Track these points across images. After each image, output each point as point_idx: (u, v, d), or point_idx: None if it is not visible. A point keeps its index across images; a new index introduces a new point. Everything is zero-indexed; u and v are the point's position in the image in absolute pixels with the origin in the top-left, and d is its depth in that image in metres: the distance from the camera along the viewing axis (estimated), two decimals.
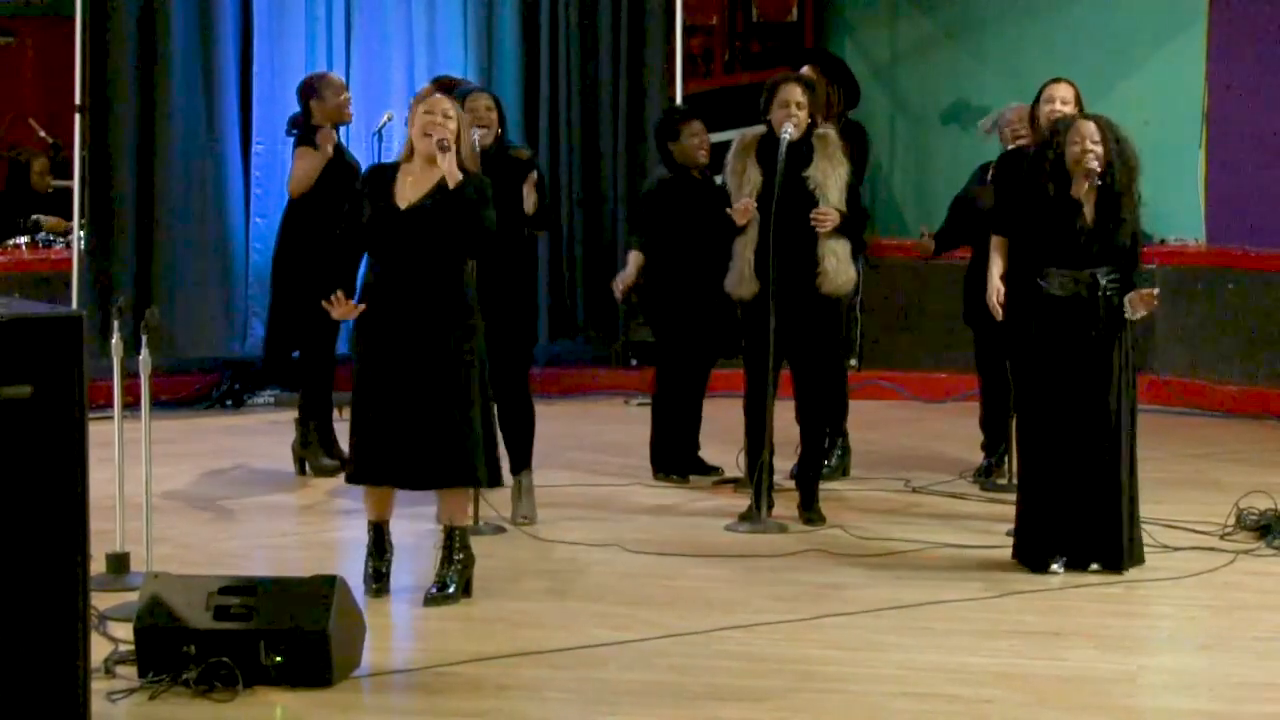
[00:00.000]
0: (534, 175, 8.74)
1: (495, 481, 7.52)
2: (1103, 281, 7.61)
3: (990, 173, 9.55)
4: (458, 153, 7.16)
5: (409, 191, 7.17)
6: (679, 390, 9.71)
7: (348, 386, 10.82)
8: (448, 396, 7.11)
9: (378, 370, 7.17)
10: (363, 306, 7.14)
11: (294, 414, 9.91)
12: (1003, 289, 8.41)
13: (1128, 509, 7.66)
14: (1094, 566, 7.62)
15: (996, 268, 8.56)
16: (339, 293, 7.14)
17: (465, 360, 7.15)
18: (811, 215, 8.50)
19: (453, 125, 7.17)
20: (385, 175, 7.28)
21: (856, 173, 8.91)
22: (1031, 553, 7.66)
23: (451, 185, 7.09)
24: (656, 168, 10.03)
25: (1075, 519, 7.60)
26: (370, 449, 7.20)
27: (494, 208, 7.21)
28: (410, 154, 7.24)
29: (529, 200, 8.62)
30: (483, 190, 7.17)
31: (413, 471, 7.17)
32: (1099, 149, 7.58)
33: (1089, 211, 7.62)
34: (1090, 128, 7.63)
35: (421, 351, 7.11)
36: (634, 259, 9.58)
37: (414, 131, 7.21)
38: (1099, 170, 7.56)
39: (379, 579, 7.32)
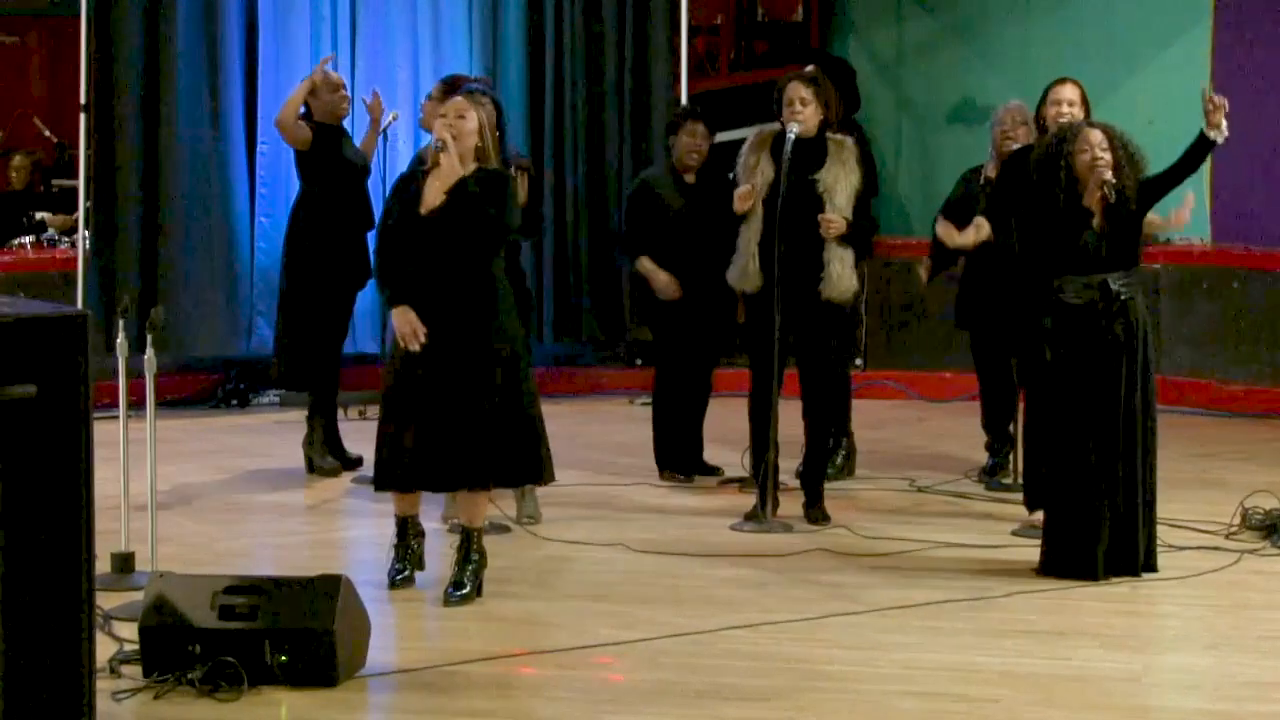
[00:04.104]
0: (527, 171, 8.71)
1: (532, 479, 7.52)
2: (1115, 286, 7.60)
3: (983, 176, 9.46)
4: (481, 150, 7.25)
5: (430, 197, 7.20)
6: (679, 390, 9.70)
7: (355, 386, 10.84)
8: (477, 397, 7.12)
9: (409, 374, 7.19)
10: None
11: (303, 412, 9.89)
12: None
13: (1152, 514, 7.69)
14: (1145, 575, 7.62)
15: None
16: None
17: (495, 360, 7.16)
18: (820, 218, 8.48)
19: (468, 124, 7.22)
20: (413, 183, 7.34)
21: (869, 178, 8.86)
22: (1081, 563, 7.61)
23: (451, 182, 7.13)
24: (647, 167, 10.01)
25: (1116, 526, 7.58)
26: (400, 454, 7.21)
27: (514, 203, 7.29)
28: (436, 161, 7.29)
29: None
30: (493, 184, 7.22)
31: (441, 474, 7.19)
32: (1108, 156, 7.56)
33: (1098, 219, 7.61)
34: (1098, 135, 7.61)
35: (450, 353, 7.13)
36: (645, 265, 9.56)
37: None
38: (1115, 181, 7.54)
39: (403, 573, 7.37)
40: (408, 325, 7.15)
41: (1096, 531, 7.55)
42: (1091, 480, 7.56)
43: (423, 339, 7.12)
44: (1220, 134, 7.65)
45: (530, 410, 7.27)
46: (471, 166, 7.23)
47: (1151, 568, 7.66)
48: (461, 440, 7.11)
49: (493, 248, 7.26)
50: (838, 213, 8.53)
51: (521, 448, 7.22)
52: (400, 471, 7.22)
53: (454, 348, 7.13)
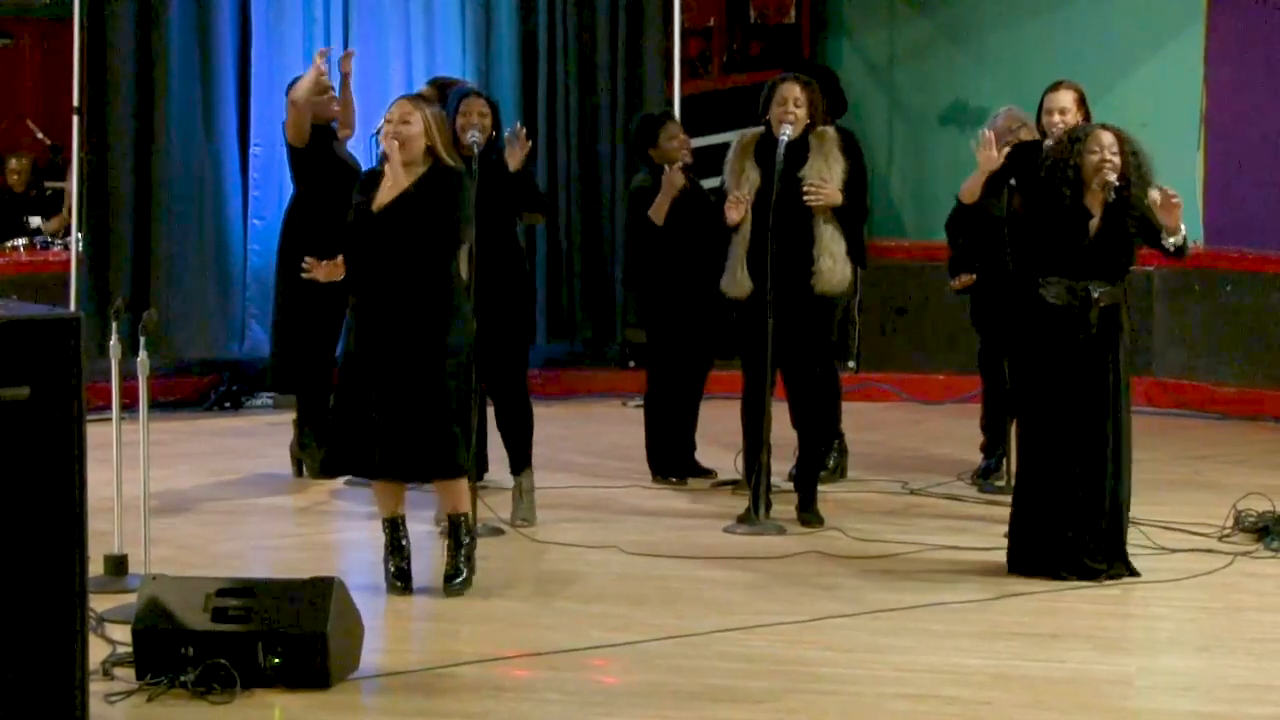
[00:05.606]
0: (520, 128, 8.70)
1: (463, 473, 7.54)
2: (1095, 294, 7.59)
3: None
4: (432, 149, 7.26)
5: (384, 194, 7.23)
6: (672, 392, 9.70)
7: None
8: (420, 390, 7.15)
9: (357, 366, 7.27)
10: (339, 260, 7.29)
11: (292, 415, 9.90)
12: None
13: (1125, 518, 7.67)
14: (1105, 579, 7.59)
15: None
16: (309, 258, 7.33)
17: (440, 354, 7.18)
18: (805, 187, 8.46)
19: (412, 128, 7.24)
20: (373, 179, 7.40)
21: (858, 177, 8.84)
22: (1034, 561, 7.62)
23: (406, 184, 7.18)
24: (636, 174, 10.02)
25: (1075, 528, 7.57)
26: (346, 442, 7.27)
27: (466, 203, 7.30)
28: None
29: (515, 157, 8.59)
30: (450, 185, 7.25)
31: (387, 463, 7.22)
32: (1116, 159, 7.56)
33: (1095, 223, 7.60)
34: (1109, 138, 7.61)
35: (396, 346, 7.17)
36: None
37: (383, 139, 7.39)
38: (1116, 182, 7.54)
39: (402, 577, 7.37)
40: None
41: (1058, 531, 7.55)
42: (1056, 479, 7.57)
43: (332, 275, 7.32)
44: (1175, 239, 7.65)
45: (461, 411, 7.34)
46: (422, 168, 7.24)
47: (1113, 571, 7.62)
48: (415, 433, 7.15)
49: (445, 247, 7.27)
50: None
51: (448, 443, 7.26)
52: (350, 457, 7.30)
53: (401, 345, 7.17)
